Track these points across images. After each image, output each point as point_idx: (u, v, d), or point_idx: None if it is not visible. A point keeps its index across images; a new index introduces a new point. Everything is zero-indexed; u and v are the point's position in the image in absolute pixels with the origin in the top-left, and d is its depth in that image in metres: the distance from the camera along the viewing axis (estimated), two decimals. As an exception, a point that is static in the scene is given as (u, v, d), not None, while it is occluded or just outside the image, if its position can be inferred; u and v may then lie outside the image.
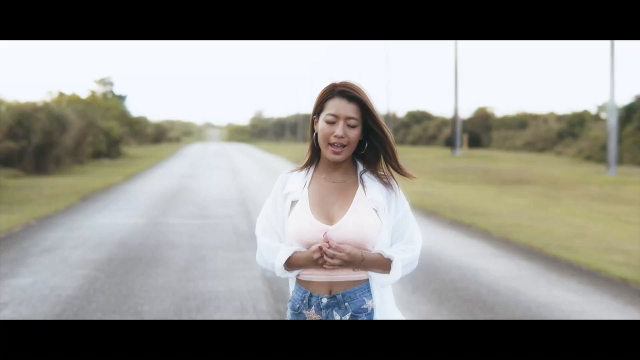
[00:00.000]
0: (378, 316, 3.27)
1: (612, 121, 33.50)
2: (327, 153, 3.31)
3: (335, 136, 3.27)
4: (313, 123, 3.40)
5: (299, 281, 3.35)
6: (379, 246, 3.27)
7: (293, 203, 3.36)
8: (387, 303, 3.33)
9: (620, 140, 41.96)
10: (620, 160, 40.40)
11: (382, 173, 3.39)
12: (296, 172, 3.44)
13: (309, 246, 3.26)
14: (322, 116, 3.32)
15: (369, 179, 3.37)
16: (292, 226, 3.31)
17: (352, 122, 3.28)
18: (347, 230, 3.24)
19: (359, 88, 3.30)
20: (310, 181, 3.40)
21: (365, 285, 3.28)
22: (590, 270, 10.05)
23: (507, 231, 13.76)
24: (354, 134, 3.29)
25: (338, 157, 3.31)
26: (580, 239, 13.02)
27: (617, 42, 33.32)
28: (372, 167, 3.39)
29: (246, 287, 8.65)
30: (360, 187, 3.35)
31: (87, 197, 19.86)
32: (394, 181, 3.39)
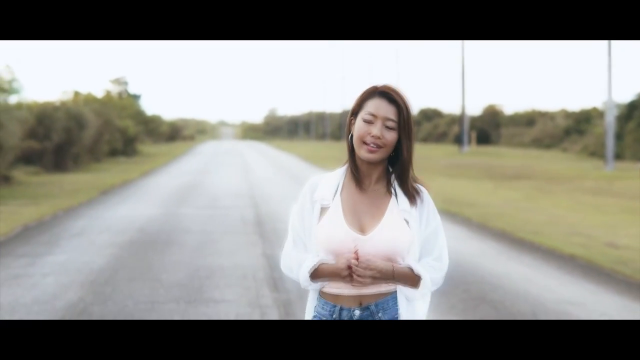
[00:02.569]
0: None
1: (610, 118, 34.79)
2: (362, 152, 3.22)
3: (372, 136, 3.18)
4: (350, 124, 3.30)
5: (324, 295, 3.25)
6: (409, 259, 3.20)
7: (323, 210, 3.26)
8: (417, 314, 3.26)
9: (622, 137, 43.11)
10: (621, 156, 41.52)
11: (413, 183, 3.29)
12: (326, 177, 3.35)
13: (337, 255, 3.17)
14: (360, 115, 3.23)
15: (400, 189, 3.28)
16: (323, 233, 3.21)
17: (390, 123, 3.21)
18: (379, 242, 3.17)
19: (400, 92, 3.26)
20: (342, 188, 3.30)
21: (396, 295, 3.23)
22: (547, 249, 11.56)
23: (488, 219, 15.23)
24: (391, 136, 3.21)
25: (372, 156, 3.21)
26: (553, 226, 14.46)
27: (616, 41, 34.59)
28: (403, 176, 3.28)
29: (248, 262, 10.20)
30: (392, 197, 3.26)
31: (106, 192, 21.44)
32: (425, 191, 3.31)
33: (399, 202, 3.24)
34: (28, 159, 30.02)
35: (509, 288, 8.73)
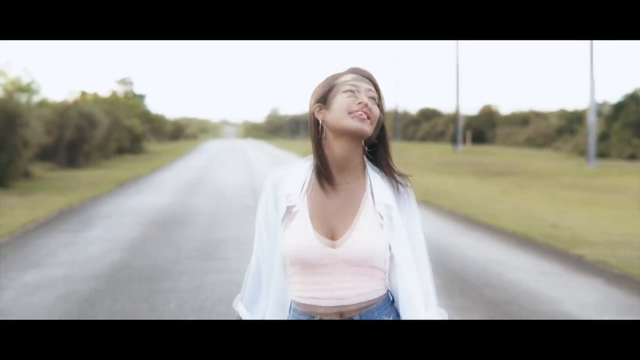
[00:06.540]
0: None
1: (592, 119, 37.21)
2: (351, 122, 2.74)
3: (360, 103, 2.74)
4: (314, 113, 2.87)
5: (299, 304, 2.80)
6: (403, 304, 2.80)
7: (289, 210, 2.82)
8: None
9: (608, 136, 45.41)
10: (608, 155, 43.80)
11: (391, 169, 2.88)
12: (290, 170, 2.91)
13: (306, 266, 2.76)
14: (337, 92, 2.80)
15: (376, 178, 2.85)
16: (288, 244, 2.77)
17: (372, 94, 2.81)
18: (352, 250, 2.74)
19: (370, 72, 2.91)
20: (310, 185, 2.85)
21: (383, 303, 2.80)
22: (496, 228, 14.00)
23: (457, 207, 17.60)
24: (376, 110, 2.79)
25: (366, 126, 2.74)
26: (512, 212, 16.79)
27: (598, 45, 36.84)
28: (379, 162, 2.88)
29: (249, 235, 12.56)
30: (367, 191, 2.82)
31: (122, 185, 23.91)
32: (406, 179, 2.89)
33: (374, 194, 2.81)
34: (43, 155, 32.12)
35: (450, 252, 11.17)
